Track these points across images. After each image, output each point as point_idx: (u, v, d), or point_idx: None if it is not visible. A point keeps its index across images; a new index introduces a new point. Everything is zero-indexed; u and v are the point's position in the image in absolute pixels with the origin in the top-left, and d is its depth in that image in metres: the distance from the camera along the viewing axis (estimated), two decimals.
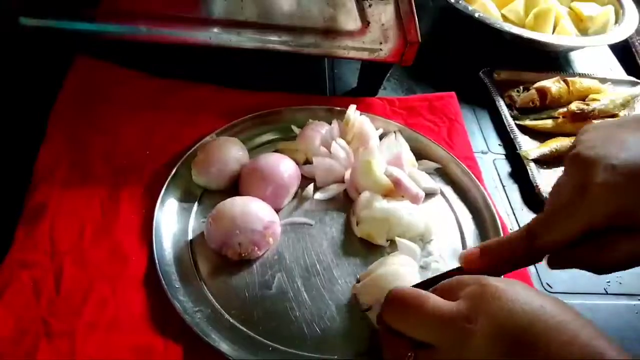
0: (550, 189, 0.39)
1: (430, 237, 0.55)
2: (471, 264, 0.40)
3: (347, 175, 0.58)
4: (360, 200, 0.55)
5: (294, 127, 0.63)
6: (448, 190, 0.61)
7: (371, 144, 0.59)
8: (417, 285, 0.43)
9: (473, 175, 0.61)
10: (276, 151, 0.61)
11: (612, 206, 0.34)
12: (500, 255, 0.39)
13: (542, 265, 0.56)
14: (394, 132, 0.64)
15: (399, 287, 0.38)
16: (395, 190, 0.56)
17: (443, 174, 0.62)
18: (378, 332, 0.41)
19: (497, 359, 0.32)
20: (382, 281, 0.47)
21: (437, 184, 0.61)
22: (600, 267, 0.37)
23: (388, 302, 0.38)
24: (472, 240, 0.56)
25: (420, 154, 0.63)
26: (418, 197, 0.55)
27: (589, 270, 0.38)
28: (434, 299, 0.35)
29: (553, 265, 0.39)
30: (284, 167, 0.55)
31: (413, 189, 0.55)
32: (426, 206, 0.57)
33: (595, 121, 0.71)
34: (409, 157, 0.61)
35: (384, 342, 0.39)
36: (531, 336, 0.31)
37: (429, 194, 0.60)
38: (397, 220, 0.53)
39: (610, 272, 0.37)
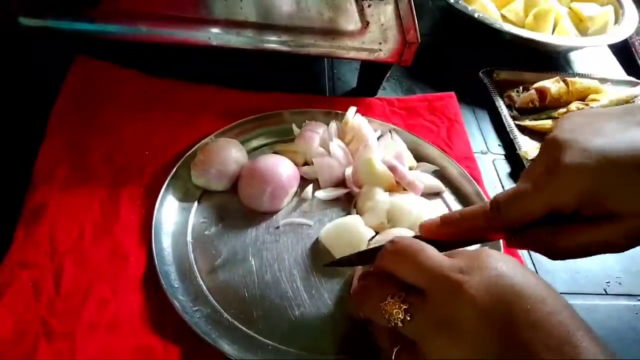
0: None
1: None
2: (430, 233, 0.40)
3: (348, 172, 0.58)
4: (362, 192, 0.56)
5: (294, 127, 0.63)
6: (446, 193, 0.61)
7: (371, 142, 0.59)
8: (352, 256, 0.45)
9: (471, 178, 0.61)
10: (275, 153, 0.61)
11: (579, 188, 0.34)
12: (460, 225, 0.39)
13: (542, 263, 0.57)
14: (390, 131, 0.64)
15: (400, 237, 0.38)
16: (396, 185, 0.56)
17: (441, 176, 0.62)
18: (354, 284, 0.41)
19: (485, 313, 0.32)
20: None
21: (438, 182, 0.61)
22: (554, 253, 0.37)
23: (388, 246, 0.37)
24: None
25: (418, 156, 0.63)
26: (415, 184, 0.56)
27: (543, 254, 0.38)
28: (435, 251, 0.36)
29: (510, 243, 0.39)
30: (283, 168, 0.55)
31: (409, 175, 0.56)
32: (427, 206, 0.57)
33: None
34: (407, 156, 0.61)
35: (364, 289, 0.38)
36: (518, 299, 0.32)
37: (432, 195, 0.60)
38: (399, 211, 0.53)
39: (563, 259, 0.38)
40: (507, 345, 0.31)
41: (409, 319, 0.34)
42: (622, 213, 0.34)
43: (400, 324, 0.34)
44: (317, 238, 0.53)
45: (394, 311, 0.34)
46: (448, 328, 0.32)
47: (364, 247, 0.52)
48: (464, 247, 0.41)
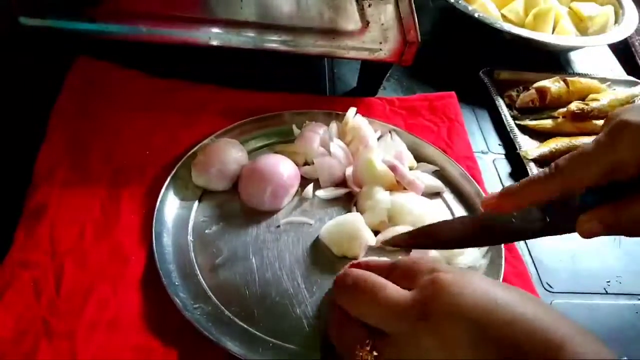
0: None
1: None
2: (492, 207, 0.39)
3: (349, 172, 0.58)
4: (363, 192, 0.56)
5: (294, 127, 0.63)
6: (446, 193, 0.61)
7: (371, 142, 0.60)
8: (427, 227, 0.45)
9: (471, 178, 0.61)
10: (275, 153, 0.61)
11: None
12: (520, 193, 0.38)
13: (542, 263, 0.57)
14: (390, 131, 0.64)
15: (353, 270, 0.39)
16: (397, 184, 0.56)
17: (441, 176, 0.62)
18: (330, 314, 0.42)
19: (449, 350, 0.32)
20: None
21: (439, 182, 0.61)
22: (630, 224, 0.35)
23: (341, 285, 0.38)
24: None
25: (418, 157, 0.63)
26: (415, 184, 0.56)
27: (620, 233, 0.36)
28: (389, 287, 0.36)
29: (585, 230, 0.36)
30: (284, 167, 0.55)
31: (409, 175, 0.56)
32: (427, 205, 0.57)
33: (595, 121, 0.71)
34: (407, 156, 0.61)
35: (339, 326, 0.39)
36: (485, 330, 0.32)
37: (432, 195, 0.60)
38: (400, 210, 0.53)
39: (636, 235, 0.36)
40: None
41: (374, 357, 0.35)
42: None
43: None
44: (318, 236, 0.53)
45: (364, 355, 0.35)
46: None
47: (363, 246, 0.52)
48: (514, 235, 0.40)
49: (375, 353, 0.35)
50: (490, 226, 0.41)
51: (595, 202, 0.35)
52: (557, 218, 0.38)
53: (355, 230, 0.52)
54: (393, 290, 0.36)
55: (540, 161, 0.66)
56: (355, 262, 0.45)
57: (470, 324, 0.32)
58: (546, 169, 0.37)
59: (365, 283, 0.37)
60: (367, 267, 0.42)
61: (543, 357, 0.30)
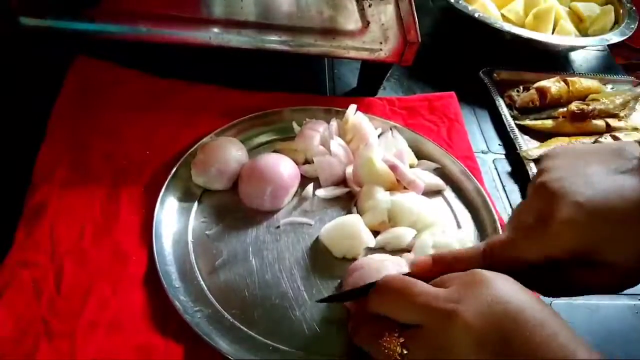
0: (511, 212, 0.40)
1: (442, 229, 0.55)
2: (422, 271, 0.40)
3: (349, 170, 0.58)
4: (363, 191, 0.56)
5: (294, 125, 0.63)
6: (447, 190, 0.61)
7: (371, 140, 0.59)
8: (345, 293, 0.46)
9: (472, 175, 0.61)
10: (275, 151, 0.61)
11: (573, 243, 0.35)
12: (452, 266, 0.39)
13: None
14: (390, 128, 0.64)
15: (389, 275, 0.39)
16: (397, 183, 0.56)
17: (442, 174, 0.62)
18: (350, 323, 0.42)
19: (480, 340, 0.32)
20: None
21: (439, 180, 0.61)
22: (549, 294, 0.39)
23: (378, 287, 0.38)
24: (471, 240, 0.56)
25: (419, 154, 0.63)
26: (416, 183, 0.56)
27: (537, 291, 0.39)
28: (422, 283, 0.36)
29: None
30: (284, 167, 0.55)
31: (409, 174, 0.56)
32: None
33: (595, 121, 0.71)
34: (408, 154, 0.61)
35: (365, 328, 0.39)
36: (515, 325, 0.32)
37: (433, 193, 0.60)
38: (400, 210, 0.53)
39: (558, 297, 0.39)
40: None
41: (405, 352, 0.35)
42: (616, 262, 0.34)
43: (399, 358, 0.35)
44: (318, 237, 0.53)
45: (392, 346, 0.35)
46: (443, 355, 0.33)
47: (363, 247, 0.52)
48: None
49: (402, 339, 0.35)
50: None
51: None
52: None
53: (355, 231, 0.52)
54: (425, 285, 0.36)
55: (540, 161, 0.66)
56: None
57: (504, 315, 0.32)
58: (480, 248, 0.39)
59: (400, 280, 0.37)
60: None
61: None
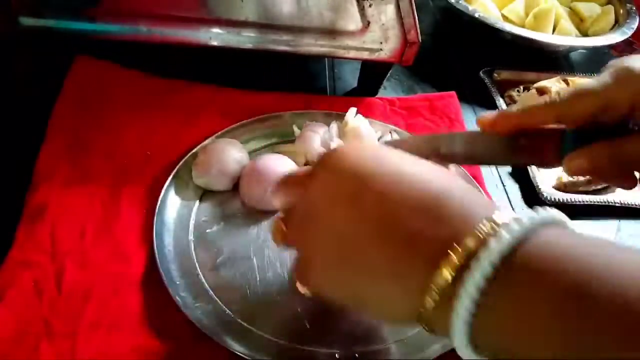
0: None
1: None
2: (486, 125, 0.40)
3: None
4: None
5: (295, 128, 0.63)
6: None
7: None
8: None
9: (471, 177, 0.61)
10: (275, 153, 0.61)
11: (636, 87, 0.35)
12: (519, 117, 0.38)
13: None
14: (390, 132, 0.64)
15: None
16: None
17: None
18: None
19: (333, 196, 0.31)
20: None
21: None
22: (623, 159, 0.36)
23: (274, 187, 0.38)
24: None
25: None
26: None
27: (602, 174, 0.37)
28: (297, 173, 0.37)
29: (572, 166, 0.37)
30: (283, 167, 0.55)
31: None
32: None
33: None
34: None
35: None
36: (370, 176, 0.30)
37: None
38: None
39: (632, 171, 0.37)
40: (360, 212, 0.29)
41: (285, 228, 0.36)
42: None
43: (284, 238, 0.36)
44: None
45: (278, 229, 0.37)
46: (303, 221, 0.33)
47: None
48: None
49: (282, 223, 0.36)
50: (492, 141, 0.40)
51: (582, 142, 0.37)
52: (547, 149, 0.39)
53: None
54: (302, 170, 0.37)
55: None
56: None
57: (353, 171, 0.31)
58: (546, 97, 0.39)
59: (287, 176, 0.38)
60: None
61: (419, 205, 0.28)
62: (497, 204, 0.29)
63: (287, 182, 0.37)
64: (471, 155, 0.43)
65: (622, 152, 0.35)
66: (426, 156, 0.39)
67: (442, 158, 0.44)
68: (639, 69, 0.35)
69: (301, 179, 0.35)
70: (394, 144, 0.47)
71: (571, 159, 0.37)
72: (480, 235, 0.25)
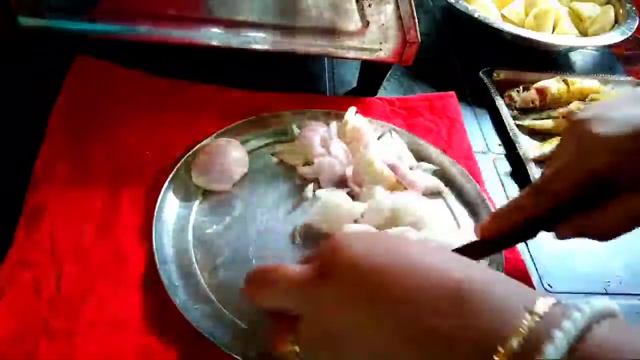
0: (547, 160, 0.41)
1: (441, 229, 0.55)
2: (484, 232, 0.41)
3: (349, 172, 0.58)
4: (363, 192, 0.56)
5: (294, 127, 0.63)
6: (447, 192, 0.61)
7: (371, 142, 0.60)
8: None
9: (471, 177, 0.61)
10: (274, 154, 0.62)
11: (613, 154, 0.35)
12: (509, 216, 0.40)
13: (543, 264, 0.57)
14: (390, 131, 0.64)
15: (256, 266, 0.36)
16: (397, 184, 0.56)
17: (441, 176, 0.62)
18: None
19: (352, 311, 0.28)
20: None
21: (438, 182, 0.61)
22: (603, 231, 0.38)
23: (247, 281, 0.35)
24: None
25: (418, 156, 0.63)
26: (416, 184, 0.56)
27: (594, 238, 0.39)
28: (291, 267, 0.33)
29: (562, 233, 0.40)
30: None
31: (410, 174, 0.57)
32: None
33: None
34: (407, 156, 0.61)
35: (266, 330, 0.36)
36: (382, 278, 0.28)
37: (433, 195, 0.60)
38: (400, 210, 0.53)
39: (613, 237, 0.38)
40: (379, 323, 0.27)
41: (297, 349, 0.31)
42: None
43: (297, 358, 0.32)
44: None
45: (288, 349, 0.32)
46: (328, 338, 0.30)
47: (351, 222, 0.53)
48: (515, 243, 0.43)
49: (291, 338, 0.32)
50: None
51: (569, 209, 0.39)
52: (536, 225, 0.41)
53: (343, 208, 0.53)
54: (295, 268, 0.33)
55: (540, 161, 0.66)
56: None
57: (367, 275, 0.29)
58: (528, 189, 0.40)
59: (266, 271, 0.34)
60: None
61: (440, 297, 0.26)
62: (529, 288, 0.28)
63: (275, 282, 0.33)
64: None
65: (603, 221, 0.37)
66: None
67: None
68: (605, 134, 0.36)
69: (300, 281, 0.31)
70: None
71: (561, 232, 0.40)
72: (524, 332, 0.23)
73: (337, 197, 0.54)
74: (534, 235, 0.42)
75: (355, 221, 0.53)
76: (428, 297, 0.26)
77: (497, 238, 0.41)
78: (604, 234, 0.38)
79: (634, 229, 0.37)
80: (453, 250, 0.42)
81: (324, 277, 0.30)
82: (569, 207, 0.39)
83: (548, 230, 0.41)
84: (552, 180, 0.39)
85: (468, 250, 0.40)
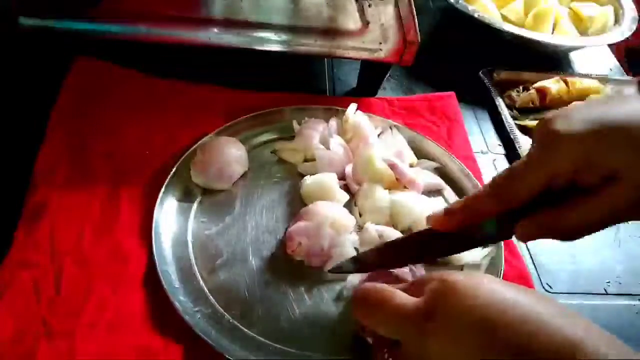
0: None
1: None
2: (437, 224, 0.40)
3: (348, 169, 0.58)
4: (362, 190, 0.56)
5: (294, 123, 0.63)
6: (447, 190, 0.61)
7: (371, 139, 0.59)
8: (387, 245, 0.45)
9: (472, 175, 0.61)
10: (274, 151, 0.62)
11: (574, 153, 0.35)
12: (464, 211, 0.39)
13: (542, 264, 0.57)
14: (390, 127, 0.64)
15: (366, 284, 0.39)
16: (397, 182, 0.56)
17: (442, 173, 0.62)
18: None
19: (456, 349, 0.31)
20: None
21: (439, 180, 0.61)
22: (563, 232, 0.37)
23: (355, 299, 0.38)
24: None
25: (419, 153, 0.63)
26: (415, 182, 0.56)
27: (555, 237, 0.37)
28: (399, 295, 0.36)
29: (522, 235, 0.38)
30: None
31: (409, 173, 0.56)
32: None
33: None
34: (408, 153, 0.61)
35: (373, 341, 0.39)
36: (490, 330, 0.30)
37: (433, 193, 0.60)
38: (400, 209, 0.53)
39: (574, 238, 0.37)
40: None
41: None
42: (619, 171, 0.34)
43: None
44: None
45: None
46: None
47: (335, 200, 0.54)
48: (471, 243, 0.41)
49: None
50: (445, 237, 0.41)
51: (530, 209, 0.37)
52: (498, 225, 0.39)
53: (329, 187, 0.55)
54: (402, 297, 0.35)
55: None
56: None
57: (480, 324, 0.31)
58: (486, 187, 0.39)
59: (375, 293, 0.37)
60: (386, 281, 0.41)
61: (556, 358, 0.29)
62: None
63: (383, 309, 0.35)
64: (427, 253, 0.44)
65: (565, 220, 0.36)
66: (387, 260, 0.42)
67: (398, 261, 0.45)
68: (566, 132, 0.35)
69: (408, 315, 0.34)
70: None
71: (521, 228, 0.38)
72: None
73: (325, 177, 0.55)
74: (495, 238, 0.41)
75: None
76: (542, 355, 0.28)
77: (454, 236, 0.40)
78: (570, 234, 0.37)
79: (601, 229, 0.36)
80: (403, 239, 0.44)
81: (432, 315, 0.33)
82: (528, 207, 0.37)
83: (508, 235, 0.40)
84: (513, 180, 0.37)
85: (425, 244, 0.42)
